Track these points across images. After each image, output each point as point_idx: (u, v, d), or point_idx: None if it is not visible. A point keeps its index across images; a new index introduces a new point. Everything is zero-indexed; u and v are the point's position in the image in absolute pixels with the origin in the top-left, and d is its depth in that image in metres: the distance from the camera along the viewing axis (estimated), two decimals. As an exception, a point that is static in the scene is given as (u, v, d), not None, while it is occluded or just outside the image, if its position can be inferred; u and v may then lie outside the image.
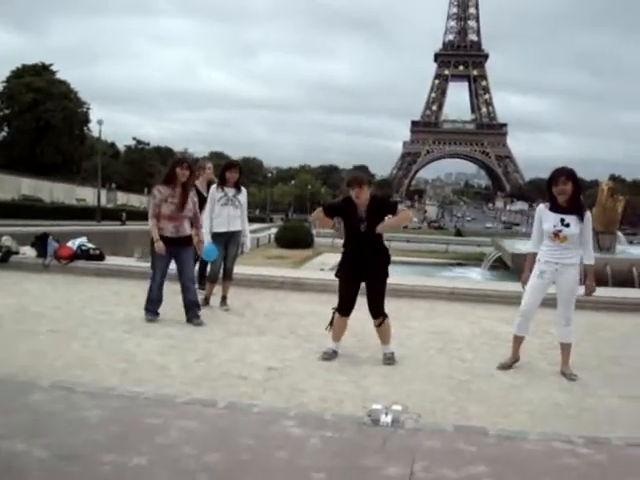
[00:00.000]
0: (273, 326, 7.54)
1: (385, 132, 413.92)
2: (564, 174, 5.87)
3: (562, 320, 6.03)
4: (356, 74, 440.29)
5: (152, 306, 7.64)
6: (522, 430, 4.26)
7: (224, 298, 8.61)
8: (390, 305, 9.08)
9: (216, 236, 8.45)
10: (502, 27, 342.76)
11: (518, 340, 6.20)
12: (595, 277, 6.16)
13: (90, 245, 11.50)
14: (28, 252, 11.71)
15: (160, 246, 7.45)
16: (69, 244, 11.40)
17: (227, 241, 8.58)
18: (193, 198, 7.73)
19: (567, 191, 5.83)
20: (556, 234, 5.86)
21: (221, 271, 8.63)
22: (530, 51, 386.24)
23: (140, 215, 47.82)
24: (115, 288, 9.60)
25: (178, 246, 7.57)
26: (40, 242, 11.33)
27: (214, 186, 8.59)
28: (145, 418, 4.10)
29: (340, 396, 4.95)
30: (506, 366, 6.08)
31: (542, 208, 6.09)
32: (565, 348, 6.04)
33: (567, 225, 5.82)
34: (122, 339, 6.55)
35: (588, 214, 5.95)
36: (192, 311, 7.58)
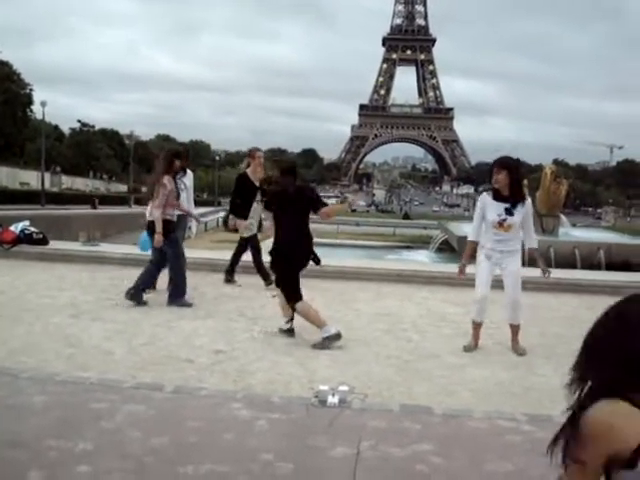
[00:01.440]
0: (220, 309, 7.51)
1: (333, 116, 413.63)
2: (496, 164, 6.05)
3: (511, 303, 6.17)
4: (300, 57, 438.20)
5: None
6: (467, 408, 4.35)
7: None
8: (337, 287, 9.20)
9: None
10: (447, 11, 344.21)
11: (477, 326, 6.25)
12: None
13: (33, 229, 11.26)
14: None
15: (159, 240, 7.54)
16: (11, 228, 11.14)
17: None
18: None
19: (500, 180, 5.95)
20: (501, 223, 5.96)
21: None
22: (473, 35, 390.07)
23: (85, 199, 47.12)
24: (59, 272, 9.42)
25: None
26: (-19, 226, 11.06)
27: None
28: (91, 403, 4.06)
29: (287, 378, 4.97)
30: (469, 349, 6.12)
31: (485, 197, 6.18)
32: (514, 329, 6.20)
33: (511, 214, 5.93)
34: (67, 324, 6.45)
35: (529, 200, 6.13)
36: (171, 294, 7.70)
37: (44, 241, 11.19)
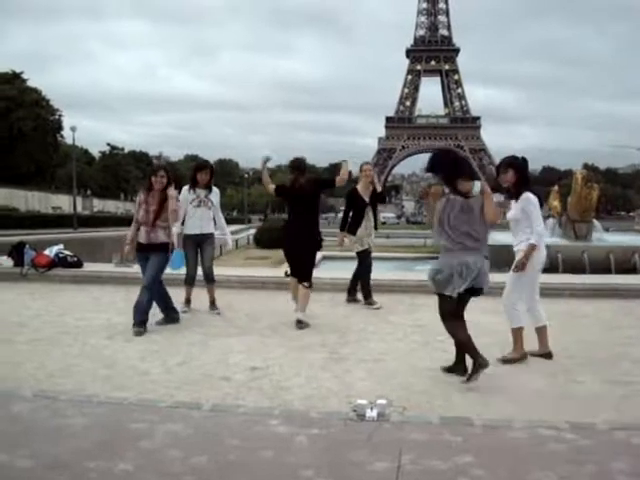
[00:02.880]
0: (255, 326, 7.52)
1: (357, 129, 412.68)
2: (502, 163, 6.13)
3: (529, 305, 6.15)
4: (318, 71, 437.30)
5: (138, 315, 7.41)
6: (507, 418, 4.28)
7: (212, 302, 8.48)
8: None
9: (187, 238, 8.31)
10: (465, 21, 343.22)
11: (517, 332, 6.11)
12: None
13: (67, 252, 11.41)
14: (4, 262, 11.59)
15: (127, 250, 7.63)
16: (46, 252, 11.30)
17: (199, 244, 8.41)
18: (174, 206, 7.51)
19: (506, 179, 6.01)
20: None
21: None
22: (491, 43, 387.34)
23: (116, 221, 47.57)
24: (94, 294, 9.54)
25: (149, 252, 7.50)
26: (16, 251, 11.23)
27: (186, 188, 8.47)
28: (129, 423, 4.07)
29: (325, 393, 4.94)
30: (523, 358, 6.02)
31: (506, 200, 6.30)
32: (540, 331, 6.14)
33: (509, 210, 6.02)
34: (103, 345, 6.50)
35: (524, 195, 5.92)
36: (137, 314, 7.32)
37: (78, 264, 11.32)
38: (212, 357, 6.04)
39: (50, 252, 11.26)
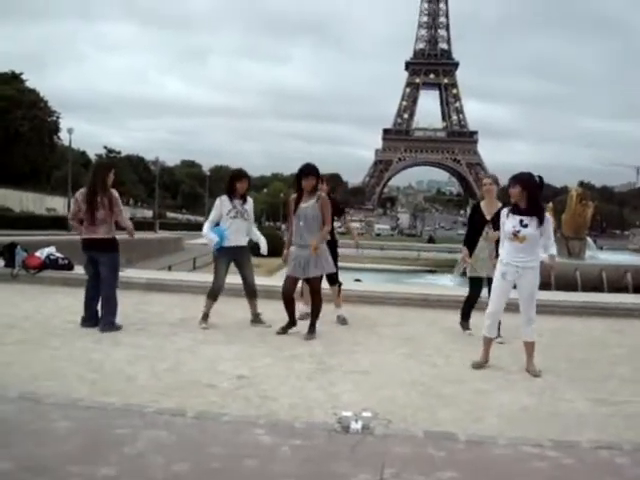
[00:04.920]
0: (243, 334, 7.52)
1: (352, 140, 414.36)
2: (512, 179, 6.24)
3: (525, 319, 6.26)
4: (313, 81, 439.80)
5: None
6: (491, 435, 4.28)
7: (257, 315, 8.20)
8: (360, 312, 9.17)
9: (222, 250, 8.05)
10: (459, 35, 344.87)
11: (487, 342, 6.40)
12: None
13: (59, 254, 11.39)
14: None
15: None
16: (37, 254, 11.27)
17: (235, 257, 8.18)
18: (108, 204, 7.59)
19: (514, 194, 6.17)
20: (515, 234, 6.11)
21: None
22: (490, 58, 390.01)
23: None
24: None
25: (94, 250, 7.68)
26: (8, 252, 11.19)
27: (224, 197, 8.13)
28: (113, 429, 4.06)
29: (310, 403, 4.93)
30: (478, 365, 6.27)
31: (504, 212, 6.37)
32: (529, 346, 6.24)
33: (525, 226, 6.09)
34: (91, 349, 6.47)
35: (548, 216, 6.25)
36: (103, 318, 7.51)
37: (70, 266, 11.29)
38: (200, 364, 6.02)
39: (41, 254, 11.23)
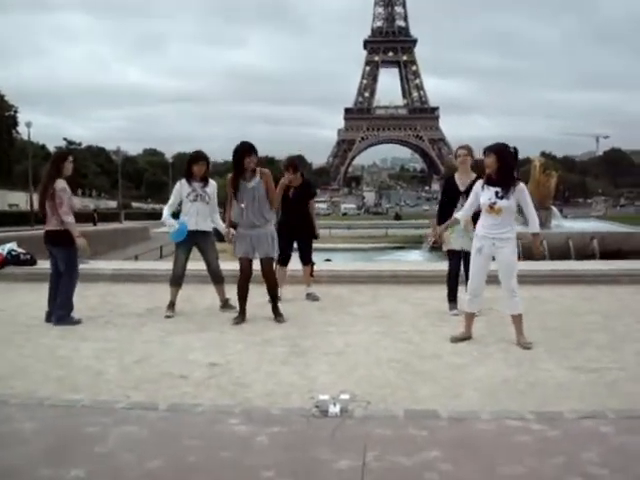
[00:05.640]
0: (214, 321, 7.35)
1: (315, 121, 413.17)
2: (487, 149, 6.15)
3: (507, 293, 6.17)
4: (271, 64, 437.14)
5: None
6: (473, 410, 4.19)
7: (225, 302, 8.06)
8: (332, 292, 9.06)
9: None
10: (417, 12, 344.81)
11: (469, 317, 6.32)
12: (531, 251, 6.38)
13: (20, 250, 11.09)
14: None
15: (83, 242, 7.48)
16: (-2, 250, 10.96)
17: (198, 242, 7.97)
18: (59, 193, 7.31)
19: (489, 164, 6.08)
20: (491, 206, 6.03)
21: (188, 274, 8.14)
22: (447, 34, 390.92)
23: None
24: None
25: (49, 243, 7.55)
26: (-34, 250, 10.87)
27: (183, 181, 7.93)
28: (82, 427, 3.89)
29: (286, 388, 4.80)
30: (458, 339, 6.19)
31: (479, 183, 6.28)
32: (516, 319, 6.16)
33: (501, 198, 6.00)
34: (57, 345, 6.26)
35: (521, 185, 6.16)
36: (54, 312, 7.35)
37: (32, 261, 11.00)
38: (170, 354, 5.85)
39: (2, 250, 10.92)
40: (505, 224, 6.04)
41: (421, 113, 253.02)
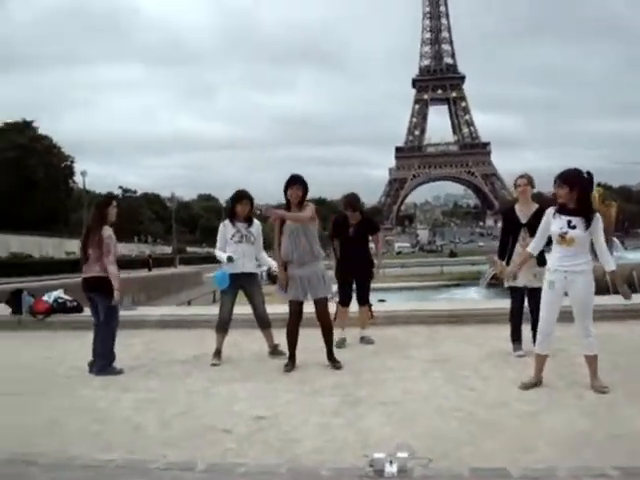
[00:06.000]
0: (261, 368, 6.93)
1: (366, 160, 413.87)
2: (558, 178, 5.63)
3: (581, 331, 5.62)
4: (319, 105, 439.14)
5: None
6: (548, 467, 3.70)
7: (274, 347, 7.64)
8: (387, 334, 8.59)
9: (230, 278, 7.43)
10: (463, 49, 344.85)
11: (540, 360, 5.75)
12: (595, 284, 5.72)
13: (67, 297, 10.91)
14: (2, 310, 11.10)
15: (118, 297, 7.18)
16: (44, 298, 10.79)
17: (243, 285, 7.54)
18: (98, 242, 7.06)
19: (561, 195, 5.58)
20: (562, 236, 5.51)
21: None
22: (494, 69, 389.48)
23: (127, 263, 47.15)
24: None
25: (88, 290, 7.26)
26: (14, 298, 10.74)
27: (226, 222, 7.61)
28: (112, 492, 3.52)
29: (338, 444, 4.36)
30: (528, 385, 5.63)
31: (550, 212, 5.74)
32: (590, 360, 5.59)
33: (573, 227, 5.47)
34: (97, 397, 5.93)
35: (597, 215, 5.57)
36: (95, 362, 7.05)
37: (79, 309, 10.79)
38: (214, 406, 5.45)
39: (49, 298, 10.76)
40: (579, 255, 5.50)
41: (472, 149, 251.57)
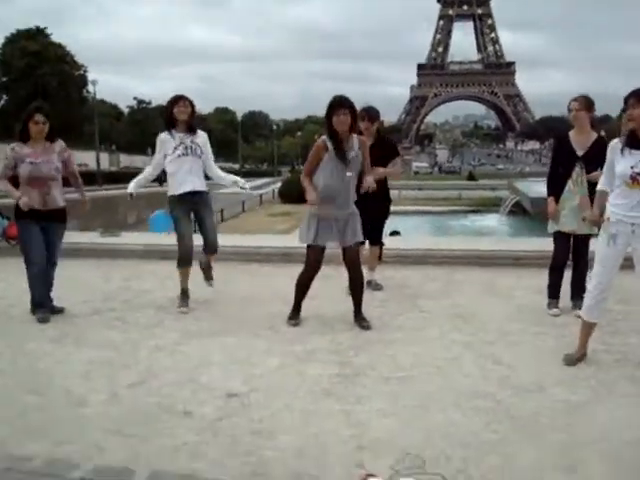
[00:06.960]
0: (246, 317, 5.85)
1: (385, 77, 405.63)
2: (632, 95, 4.27)
3: None
4: (337, 18, 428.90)
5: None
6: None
7: (210, 277, 6.63)
8: (397, 277, 7.50)
9: (178, 201, 6.15)
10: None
11: (588, 327, 4.61)
12: None
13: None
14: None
15: (24, 201, 5.75)
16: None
17: (195, 206, 6.26)
18: (62, 153, 6.08)
19: (635, 116, 4.24)
20: (634, 178, 4.23)
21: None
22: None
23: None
24: (68, 272, 7.74)
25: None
26: (-15, 221, 9.69)
27: (162, 134, 6.24)
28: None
29: (323, 440, 3.32)
30: (573, 360, 4.54)
31: (616, 145, 4.43)
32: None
33: None
34: (42, 353, 4.90)
35: None
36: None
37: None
38: (178, 373, 4.40)
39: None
40: None
41: (497, 68, 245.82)
